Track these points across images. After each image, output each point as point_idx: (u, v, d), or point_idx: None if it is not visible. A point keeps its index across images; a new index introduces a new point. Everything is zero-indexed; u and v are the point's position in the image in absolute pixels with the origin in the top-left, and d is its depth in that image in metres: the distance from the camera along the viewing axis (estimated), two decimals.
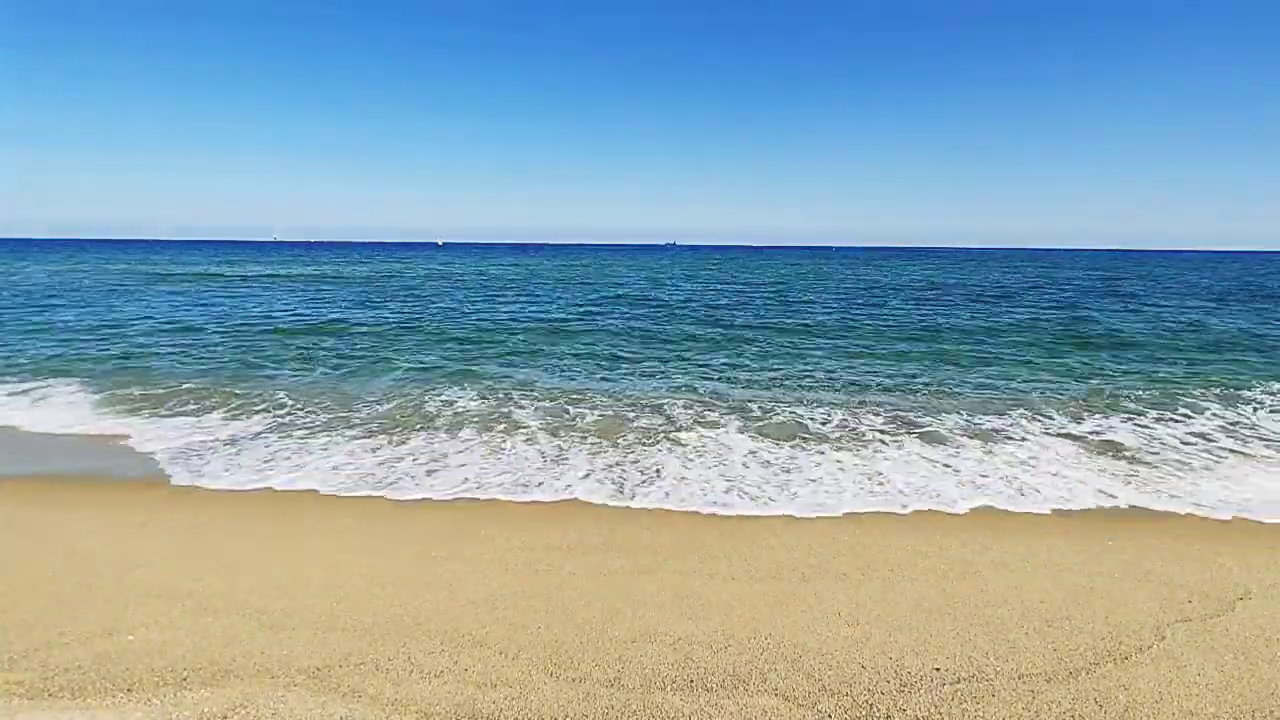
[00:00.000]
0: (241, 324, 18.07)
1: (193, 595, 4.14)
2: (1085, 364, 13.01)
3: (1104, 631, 3.77)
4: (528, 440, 7.78)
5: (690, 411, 9.09)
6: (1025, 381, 11.38)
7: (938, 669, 3.39)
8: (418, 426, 8.35)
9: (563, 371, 12.05)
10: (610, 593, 4.25)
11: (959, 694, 3.19)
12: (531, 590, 4.27)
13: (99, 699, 3.10)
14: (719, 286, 34.47)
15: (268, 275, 39.78)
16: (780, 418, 8.80)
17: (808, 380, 11.34)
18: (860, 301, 26.65)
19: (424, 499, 6.08)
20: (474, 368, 12.28)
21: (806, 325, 18.91)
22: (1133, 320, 20.46)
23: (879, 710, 3.08)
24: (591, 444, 7.61)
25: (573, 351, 14.08)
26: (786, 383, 11.15)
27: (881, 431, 8.21)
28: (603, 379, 11.49)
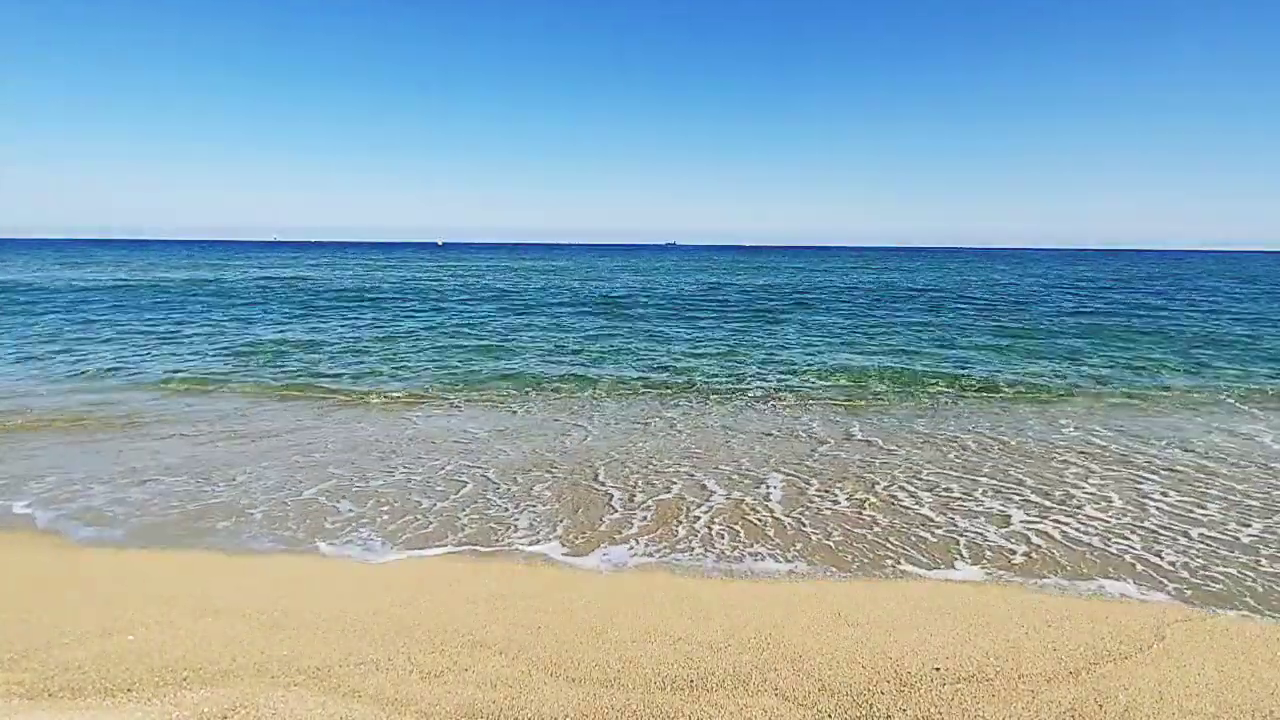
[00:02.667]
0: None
1: (192, 595, 4.14)
2: None
3: (1104, 631, 3.77)
4: None
5: None
6: None
7: (938, 669, 3.39)
8: None
9: None
10: (610, 593, 4.25)
11: (959, 694, 3.19)
12: (532, 590, 4.28)
13: (99, 699, 3.10)
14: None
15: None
16: None
17: None
18: None
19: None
20: None
21: None
22: None
23: (879, 710, 3.07)
24: None
25: None
26: None
27: None
28: None
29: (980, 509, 5.76)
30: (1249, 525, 5.38)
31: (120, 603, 4.04)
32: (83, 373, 11.51)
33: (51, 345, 14.23)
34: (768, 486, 6.30)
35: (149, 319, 19.17)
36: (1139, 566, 4.69)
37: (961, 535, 5.21)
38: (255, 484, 6.29)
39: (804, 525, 5.42)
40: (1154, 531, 5.28)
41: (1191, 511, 5.68)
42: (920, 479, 6.51)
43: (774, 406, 9.60)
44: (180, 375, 11.36)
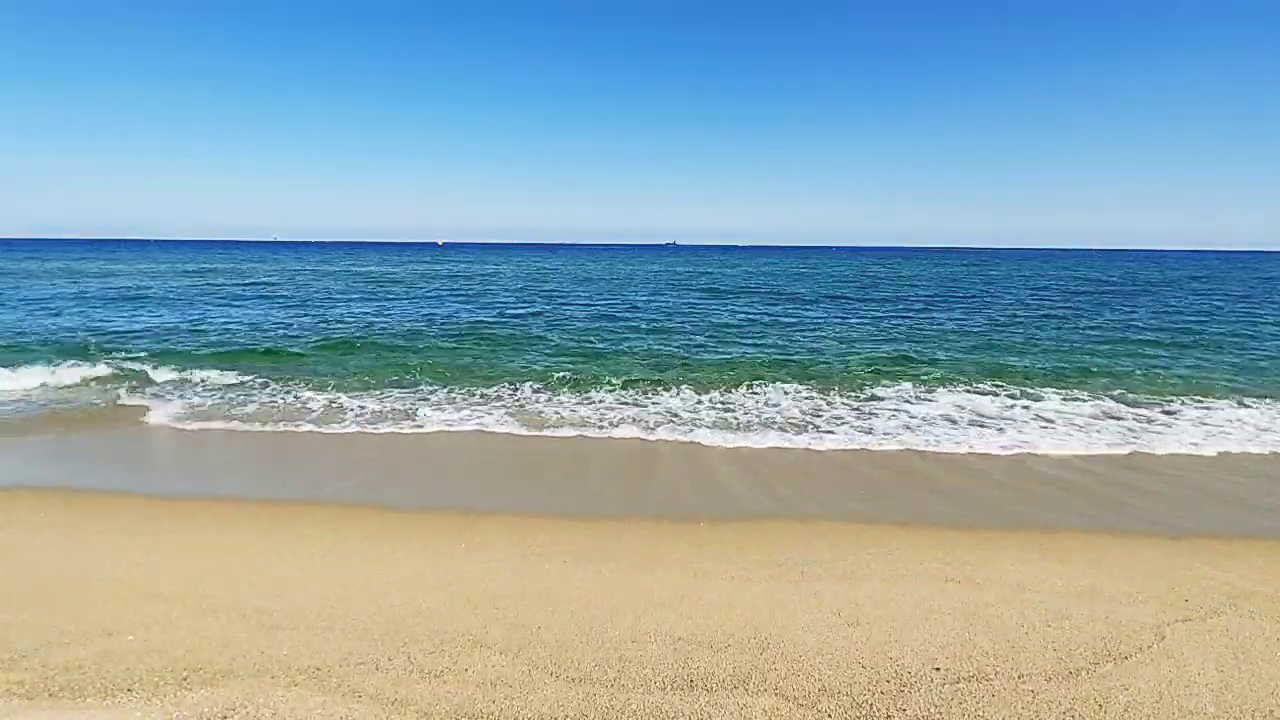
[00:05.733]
0: None
1: (192, 595, 4.14)
2: None
3: (1104, 631, 3.77)
4: None
5: None
6: None
7: (938, 669, 3.39)
8: None
9: None
10: (610, 593, 4.25)
11: (959, 694, 3.19)
12: (532, 590, 4.27)
13: (99, 699, 3.10)
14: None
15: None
16: None
17: None
18: None
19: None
20: None
21: None
22: None
23: (879, 710, 3.07)
24: None
25: None
26: None
27: None
28: None
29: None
30: None
31: (120, 602, 4.04)
32: None
33: None
34: None
35: None
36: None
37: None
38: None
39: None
40: None
41: None
42: None
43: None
44: None
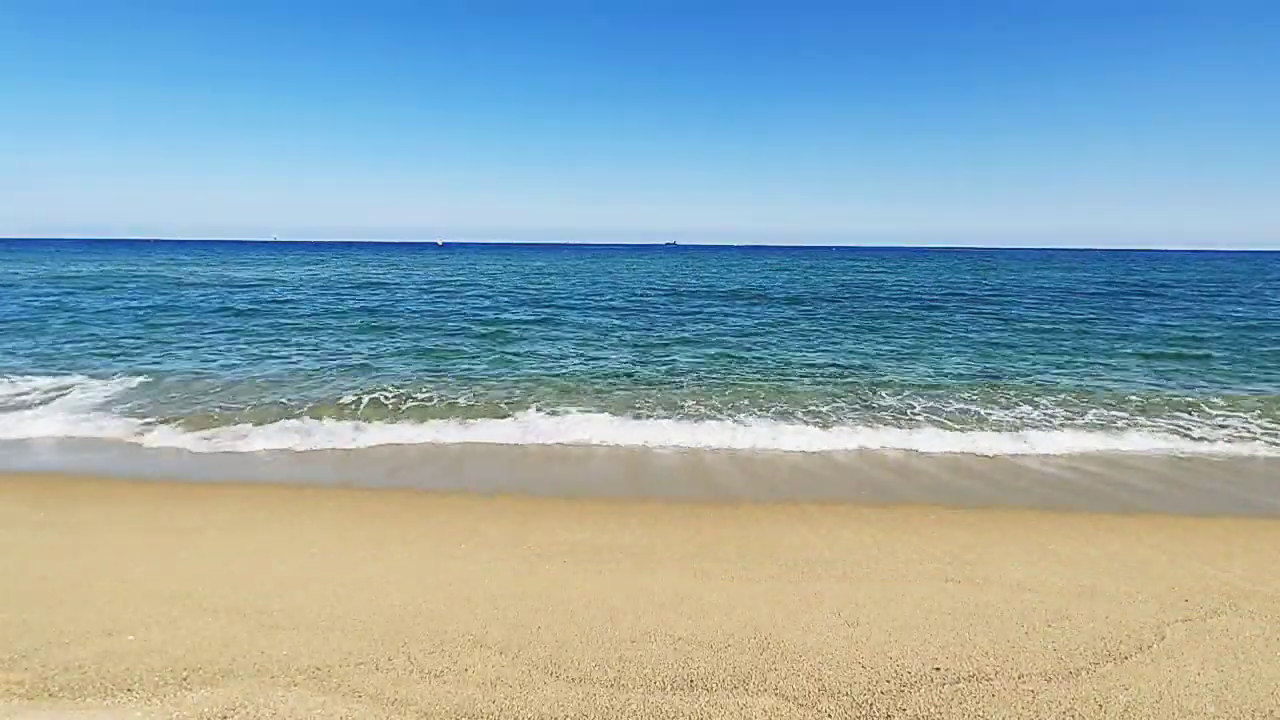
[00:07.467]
0: None
1: (193, 595, 4.14)
2: None
3: (1104, 631, 3.77)
4: None
5: None
6: None
7: (938, 669, 3.39)
8: None
9: None
10: (610, 593, 4.25)
11: (959, 694, 3.19)
12: (532, 590, 4.27)
13: (99, 699, 3.09)
14: None
15: None
16: None
17: None
18: None
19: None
20: None
21: None
22: None
23: (879, 710, 3.07)
24: None
25: None
26: None
27: None
28: None
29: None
30: None
31: (120, 602, 4.03)
32: None
33: None
34: None
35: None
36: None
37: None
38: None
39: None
40: None
41: None
42: None
43: None
44: None
